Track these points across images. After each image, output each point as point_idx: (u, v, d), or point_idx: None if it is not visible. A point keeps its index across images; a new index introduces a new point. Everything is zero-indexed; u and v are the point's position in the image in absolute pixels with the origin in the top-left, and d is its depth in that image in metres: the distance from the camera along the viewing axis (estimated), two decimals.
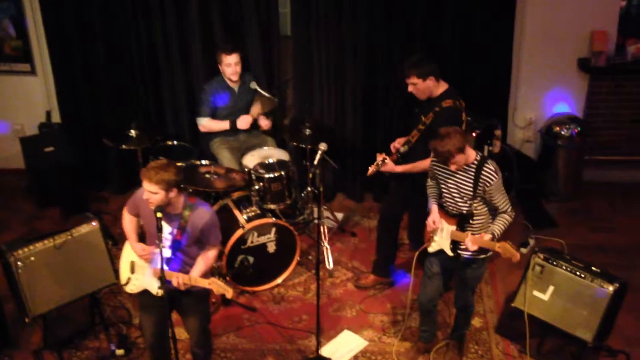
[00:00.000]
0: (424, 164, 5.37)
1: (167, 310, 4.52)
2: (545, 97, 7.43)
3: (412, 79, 5.41)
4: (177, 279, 4.49)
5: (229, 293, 4.51)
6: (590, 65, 7.18)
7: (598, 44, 7.08)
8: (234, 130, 6.67)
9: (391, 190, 6.12)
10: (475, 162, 4.67)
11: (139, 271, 4.78)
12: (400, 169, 5.59)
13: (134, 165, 6.64)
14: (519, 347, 5.58)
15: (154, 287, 4.66)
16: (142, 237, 4.81)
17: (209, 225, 4.57)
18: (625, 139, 7.56)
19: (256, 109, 6.77)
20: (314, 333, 5.48)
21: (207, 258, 4.65)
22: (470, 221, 4.81)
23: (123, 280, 4.90)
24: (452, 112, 5.38)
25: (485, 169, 4.65)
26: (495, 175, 4.65)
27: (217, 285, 4.49)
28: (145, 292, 4.74)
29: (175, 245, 4.55)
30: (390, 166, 5.59)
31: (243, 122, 6.65)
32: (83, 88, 7.34)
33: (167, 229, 4.52)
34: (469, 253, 4.85)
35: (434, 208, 4.97)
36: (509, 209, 4.78)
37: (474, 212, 4.78)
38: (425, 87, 5.41)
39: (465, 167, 4.68)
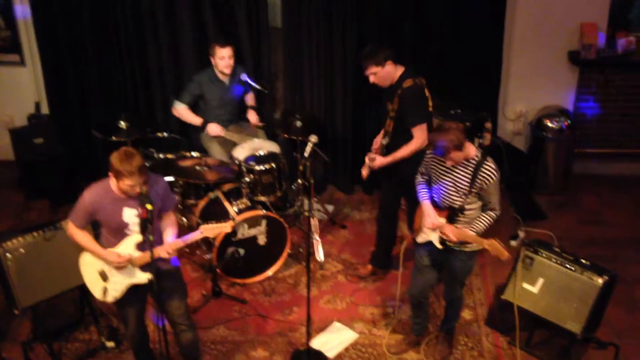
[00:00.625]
0: (408, 148, 5.45)
1: (146, 297, 4.58)
2: (536, 90, 7.44)
3: (371, 69, 5.42)
4: (166, 249, 4.50)
5: (228, 228, 4.59)
6: (580, 58, 7.20)
7: (588, 37, 7.09)
8: (202, 129, 6.62)
9: (383, 186, 6.12)
10: (476, 158, 4.66)
11: (114, 274, 4.67)
12: (388, 159, 5.58)
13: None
14: (509, 339, 5.60)
15: (139, 276, 4.62)
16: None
17: (166, 189, 4.64)
18: (614, 132, 7.59)
19: (250, 103, 6.80)
20: (304, 325, 5.47)
21: (172, 222, 4.71)
22: (460, 215, 4.82)
23: (99, 294, 4.75)
24: (415, 90, 5.40)
25: (486, 166, 4.64)
26: (496, 174, 4.64)
27: (211, 229, 4.59)
28: (124, 292, 4.69)
29: (143, 225, 4.47)
30: (379, 161, 5.60)
31: (213, 129, 6.60)
32: (72, 79, 7.29)
33: (131, 212, 4.49)
34: (458, 246, 4.86)
35: (428, 205, 4.95)
36: (497, 208, 4.79)
37: (468, 207, 4.78)
38: (385, 73, 5.42)
39: (464, 162, 4.67)
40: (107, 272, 4.67)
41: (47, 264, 5.21)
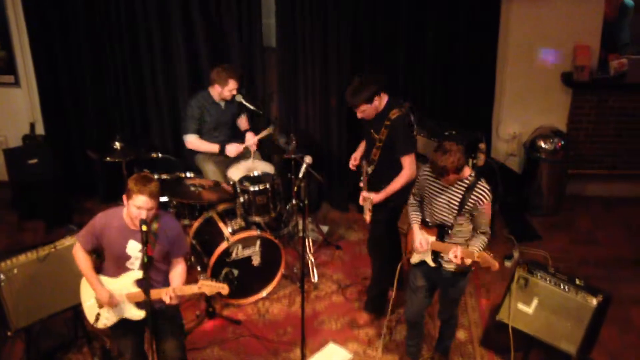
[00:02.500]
0: (400, 180, 5.46)
1: (144, 329, 4.49)
2: (529, 111, 7.48)
3: (361, 107, 5.41)
4: (167, 294, 4.43)
5: (225, 289, 4.46)
6: (573, 80, 7.24)
7: (581, 59, 7.14)
8: (221, 154, 6.60)
9: (373, 221, 5.99)
10: (470, 179, 4.69)
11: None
12: (382, 195, 5.55)
13: (118, 177, 6.62)
14: None
15: (133, 312, 4.59)
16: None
17: (179, 235, 4.57)
18: (608, 153, 7.62)
19: (245, 127, 6.79)
20: (298, 346, 5.46)
21: (180, 271, 4.61)
22: (450, 232, 4.82)
23: (92, 318, 4.71)
24: (403, 120, 5.41)
25: (479, 187, 4.66)
26: (489, 195, 4.66)
27: (209, 286, 4.43)
28: (119, 322, 4.67)
29: (147, 263, 4.40)
30: (376, 199, 5.57)
31: (232, 150, 6.56)
32: (67, 100, 7.31)
33: (136, 247, 4.45)
34: (452, 266, 4.87)
35: (417, 228, 4.97)
36: (488, 232, 4.79)
37: (459, 228, 4.79)
38: (373, 108, 5.43)
39: (458, 182, 4.69)
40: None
41: (41, 285, 5.19)
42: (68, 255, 5.27)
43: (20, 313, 5.12)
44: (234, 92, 6.47)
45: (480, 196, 4.64)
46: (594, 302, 5.06)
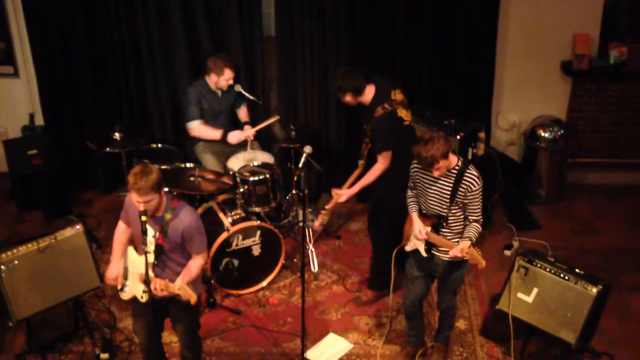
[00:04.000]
0: (371, 175, 5.60)
1: (151, 315, 4.46)
2: (529, 100, 7.47)
3: (344, 97, 5.61)
4: (154, 284, 4.46)
5: (193, 299, 4.47)
6: (573, 69, 7.23)
7: (580, 47, 7.12)
8: (222, 141, 6.61)
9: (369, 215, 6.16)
10: (457, 167, 4.69)
11: (131, 277, 4.74)
12: (355, 189, 5.69)
13: (118, 168, 6.63)
14: (504, 349, 5.60)
15: (140, 293, 4.62)
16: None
17: (191, 230, 4.49)
18: (607, 142, 7.62)
19: (245, 119, 6.81)
20: (299, 336, 5.47)
21: (191, 267, 4.59)
22: (445, 224, 4.83)
23: (119, 285, 4.83)
24: (383, 120, 5.51)
25: (468, 174, 4.66)
26: (478, 182, 4.66)
27: (184, 291, 4.44)
28: (136, 299, 4.70)
29: (158, 250, 4.50)
30: (346, 193, 5.70)
31: (234, 137, 6.57)
32: (67, 91, 7.30)
33: (151, 232, 4.48)
34: (447, 256, 4.87)
35: (415, 216, 4.98)
36: (481, 219, 4.80)
37: (452, 217, 4.80)
38: (357, 101, 5.60)
39: (447, 172, 4.69)
40: (128, 272, 4.76)
41: (42, 276, 5.20)
42: (68, 247, 5.32)
43: (21, 304, 5.12)
44: (230, 82, 6.47)
45: (470, 183, 4.65)
46: (594, 291, 5.07)
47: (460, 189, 4.67)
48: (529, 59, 7.30)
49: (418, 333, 5.47)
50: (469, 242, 4.68)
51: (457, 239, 4.82)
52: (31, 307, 5.19)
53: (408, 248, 5.10)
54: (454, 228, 4.84)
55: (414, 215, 4.98)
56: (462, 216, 4.81)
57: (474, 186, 4.65)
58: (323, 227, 5.81)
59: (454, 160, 4.69)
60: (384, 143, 5.54)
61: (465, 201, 4.72)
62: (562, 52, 7.27)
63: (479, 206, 4.75)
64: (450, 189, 4.70)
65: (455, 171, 4.68)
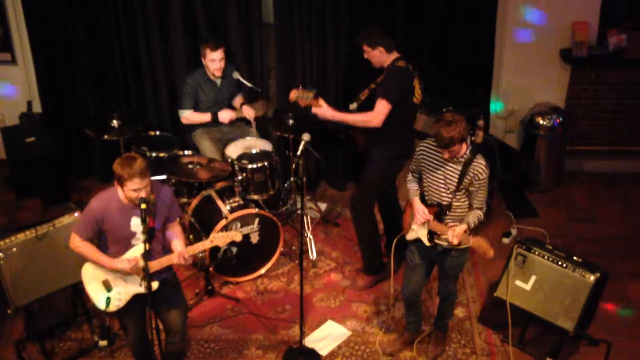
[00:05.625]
0: (360, 116, 5.66)
1: (145, 305, 4.49)
2: (528, 88, 7.45)
3: (363, 47, 5.68)
4: (179, 256, 4.51)
5: (238, 236, 4.62)
6: (572, 56, 7.21)
7: (579, 35, 7.11)
8: (215, 122, 6.62)
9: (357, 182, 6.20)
10: (466, 155, 4.68)
11: (118, 283, 4.64)
12: (329, 114, 5.77)
13: (116, 155, 6.59)
14: (501, 336, 5.62)
15: (137, 285, 4.60)
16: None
17: (173, 199, 4.66)
18: (606, 129, 7.61)
19: (239, 102, 6.79)
20: (297, 323, 5.49)
21: (179, 232, 4.72)
22: (448, 212, 4.83)
23: (102, 304, 4.65)
24: (401, 72, 5.58)
25: (476, 162, 4.66)
26: (486, 170, 4.67)
27: (222, 237, 4.59)
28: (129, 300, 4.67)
29: (151, 234, 4.47)
30: (322, 110, 5.78)
31: (225, 115, 6.59)
32: (64, 78, 7.28)
33: (139, 222, 4.42)
34: (447, 243, 4.87)
35: (417, 201, 4.95)
36: (484, 208, 4.81)
37: (457, 203, 4.80)
38: (374, 56, 5.66)
39: (455, 158, 4.69)
40: (112, 281, 4.64)
41: (40, 263, 5.19)
42: (66, 234, 5.26)
43: (19, 291, 5.12)
44: (219, 64, 6.46)
45: (478, 171, 4.65)
46: (592, 278, 5.08)
47: (468, 176, 4.67)
48: (528, 46, 7.28)
49: (416, 319, 5.48)
50: (465, 227, 4.68)
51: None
52: (29, 295, 5.19)
53: (409, 237, 5.08)
54: (457, 215, 4.84)
55: (416, 201, 4.96)
56: (466, 203, 4.82)
57: (482, 175, 4.66)
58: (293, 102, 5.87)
59: (464, 147, 4.68)
60: (388, 90, 5.50)
61: (472, 189, 4.72)
62: (561, 40, 7.26)
63: (484, 195, 4.76)
64: (457, 175, 4.70)
65: (463, 159, 4.68)
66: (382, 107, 5.47)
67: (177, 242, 4.68)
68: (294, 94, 5.78)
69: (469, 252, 5.04)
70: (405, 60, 5.61)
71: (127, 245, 4.54)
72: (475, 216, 4.75)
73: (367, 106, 5.72)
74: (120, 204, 4.44)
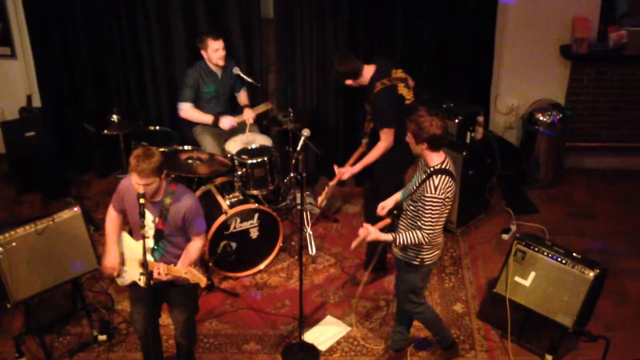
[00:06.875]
0: (374, 153, 5.64)
1: (151, 300, 4.50)
2: (528, 84, 7.44)
3: (345, 82, 5.71)
4: (158, 269, 4.45)
5: (203, 282, 4.49)
6: (572, 52, 7.21)
7: (580, 31, 7.10)
8: (215, 126, 6.60)
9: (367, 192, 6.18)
10: (432, 169, 4.52)
11: (128, 263, 4.73)
12: (358, 168, 5.74)
13: (115, 150, 6.62)
14: (500, 332, 5.63)
15: (138, 277, 4.61)
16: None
17: (191, 214, 4.51)
18: (605, 126, 7.61)
19: (244, 102, 6.83)
20: (296, 319, 5.49)
21: (191, 249, 4.61)
22: (401, 215, 4.77)
23: (116, 272, 4.80)
24: (383, 95, 5.57)
25: (432, 179, 4.48)
26: (433, 192, 4.44)
27: (192, 274, 4.45)
28: (134, 285, 4.71)
29: (158, 235, 4.50)
30: (349, 171, 5.75)
31: (226, 122, 6.56)
32: (64, 72, 7.26)
33: (150, 217, 4.47)
34: (401, 254, 4.81)
35: (393, 196, 4.93)
36: (426, 232, 4.52)
37: (412, 212, 4.64)
38: (358, 83, 5.68)
39: (425, 167, 4.60)
40: (126, 259, 4.75)
41: (40, 257, 5.18)
42: (66, 229, 5.30)
43: (19, 286, 5.11)
44: (220, 53, 6.46)
45: (425, 187, 4.47)
46: (591, 275, 5.09)
47: (420, 189, 4.53)
48: (528, 42, 7.27)
49: (402, 330, 5.32)
50: (389, 236, 4.61)
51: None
52: (29, 289, 5.18)
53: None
54: (403, 224, 4.76)
55: (393, 196, 4.94)
56: (410, 216, 4.67)
57: (427, 193, 4.45)
58: (325, 206, 5.79)
59: (436, 159, 4.53)
60: (384, 119, 5.56)
61: (418, 204, 4.55)
62: (561, 36, 7.24)
63: (427, 217, 4.49)
64: (419, 182, 4.59)
65: (429, 170, 4.54)
66: (387, 134, 5.58)
67: (182, 257, 4.61)
68: (322, 199, 5.87)
69: (418, 269, 4.85)
70: (381, 74, 5.59)
71: (138, 233, 4.53)
72: (411, 235, 4.55)
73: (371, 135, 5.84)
74: None
